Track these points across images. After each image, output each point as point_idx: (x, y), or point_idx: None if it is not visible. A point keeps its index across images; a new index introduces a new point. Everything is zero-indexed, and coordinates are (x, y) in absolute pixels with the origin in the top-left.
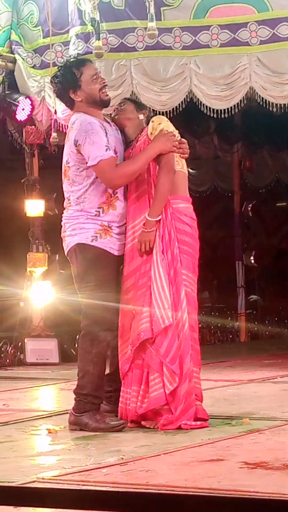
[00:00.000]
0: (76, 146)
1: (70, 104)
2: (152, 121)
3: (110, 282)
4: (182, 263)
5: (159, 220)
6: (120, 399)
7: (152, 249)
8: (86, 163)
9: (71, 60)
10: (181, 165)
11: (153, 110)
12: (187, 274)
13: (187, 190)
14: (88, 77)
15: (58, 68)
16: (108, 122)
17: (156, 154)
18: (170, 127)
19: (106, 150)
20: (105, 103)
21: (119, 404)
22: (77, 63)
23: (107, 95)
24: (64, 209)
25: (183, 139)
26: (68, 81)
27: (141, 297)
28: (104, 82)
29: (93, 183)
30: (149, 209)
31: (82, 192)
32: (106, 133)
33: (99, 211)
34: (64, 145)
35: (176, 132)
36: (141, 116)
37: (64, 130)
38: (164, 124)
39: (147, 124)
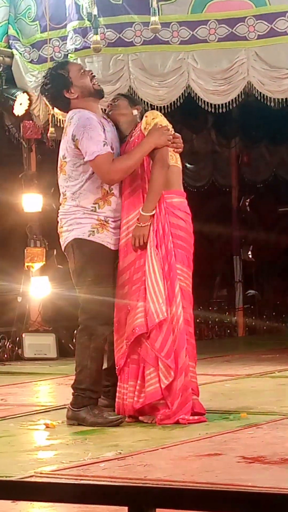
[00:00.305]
0: (73, 141)
1: (66, 105)
2: (146, 116)
3: (107, 277)
4: (176, 257)
5: (153, 214)
6: (117, 394)
7: (147, 244)
8: (83, 158)
9: (52, 65)
10: (175, 160)
11: (151, 105)
12: (181, 269)
13: (181, 185)
14: (76, 73)
15: (43, 77)
16: (105, 118)
17: (151, 149)
18: (164, 122)
19: (104, 145)
20: (99, 93)
21: (116, 400)
22: (60, 65)
23: (99, 85)
24: (60, 204)
25: (176, 134)
26: (59, 82)
27: (135, 292)
28: (92, 73)
29: (89, 179)
30: (143, 203)
31: (78, 187)
32: (104, 129)
33: (95, 207)
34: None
35: (170, 127)
36: (135, 112)
37: (62, 125)
38: (158, 118)
39: (141, 119)
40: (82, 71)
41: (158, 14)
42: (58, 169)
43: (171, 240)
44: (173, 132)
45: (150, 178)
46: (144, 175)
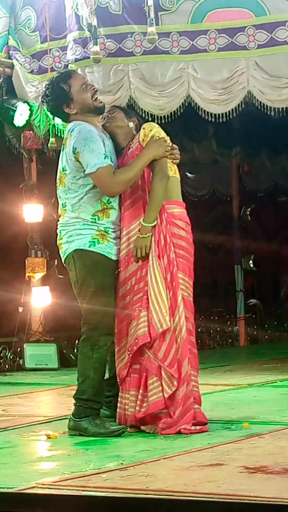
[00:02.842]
0: (74, 154)
1: (66, 118)
2: (144, 128)
3: (109, 287)
4: (178, 267)
5: (155, 225)
6: (118, 404)
7: (148, 255)
8: (83, 171)
9: (56, 76)
10: (173, 171)
11: (151, 114)
12: (183, 278)
13: (180, 195)
14: (77, 88)
15: (45, 86)
16: (104, 132)
17: (150, 160)
18: (161, 133)
19: (105, 158)
20: (100, 110)
21: (117, 410)
22: (63, 77)
23: (100, 101)
24: (60, 216)
25: (174, 145)
26: (59, 97)
27: (138, 302)
28: (94, 89)
29: (88, 192)
30: (143, 214)
31: (77, 199)
32: (103, 142)
33: (94, 218)
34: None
35: (167, 138)
36: (131, 124)
37: (62, 135)
38: (155, 130)
39: (137, 131)
40: (84, 86)
41: (158, 24)
42: (57, 180)
43: (173, 250)
44: (170, 143)
45: (150, 189)
46: (144, 186)
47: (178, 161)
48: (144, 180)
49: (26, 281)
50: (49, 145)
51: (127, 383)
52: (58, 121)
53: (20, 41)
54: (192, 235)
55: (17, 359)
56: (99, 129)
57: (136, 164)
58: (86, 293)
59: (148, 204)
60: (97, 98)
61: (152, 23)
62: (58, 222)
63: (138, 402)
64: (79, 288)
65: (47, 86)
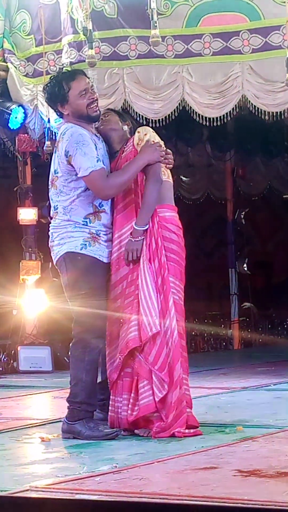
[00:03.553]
0: (66, 157)
1: (59, 115)
2: (138, 132)
3: (100, 290)
4: (169, 270)
5: (147, 229)
6: (110, 408)
7: (139, 258)
8: (75, 174)
9: (64, 71)
10: (167, 175)
11: (146, 118)
12: (174, 282)
13: (172, 199)
14: (76, 92)
15: (50, 77)
16: (97, 136)
17: (144, 165)
18: (156, 138)
19: (97, 161)
20: (92, 119)
21: (109, 413)
22: (68, 76)
23: (95, 111)
24: (51, 218)
25: (168, 150)
26: (56, 94)
27: (129, 306)
28: (93, 98)
29: (80, 195)
30: (136, 218)
31: (69, 202)
32: (95, 146)
33: (86, 221)
34: None
35: (162, 143)
36: (125, 127)
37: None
38: (149, 134)
39: (131, 135)
40: (83, 92)
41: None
42: (50, 183)
43: (164, 254)
44: (164, 148)
45: (143, 193)
46: (137, 190)
47: (171, 166)
48: (137, 183)
49: (20, 284)
50: (44, 148)
51: (119, 387)
52: (53, 124)
53: (15, 44)
54: (183, 239)
55: (11, 361)
56: (91, 132)
57: (130, 168)
58: (77, 296)
59: (141, 208)
60: (93, 107)
61: (156, 26)
62: (50, 225)
63: (130, 406)
64: (71, 291)
65: (51, 77)
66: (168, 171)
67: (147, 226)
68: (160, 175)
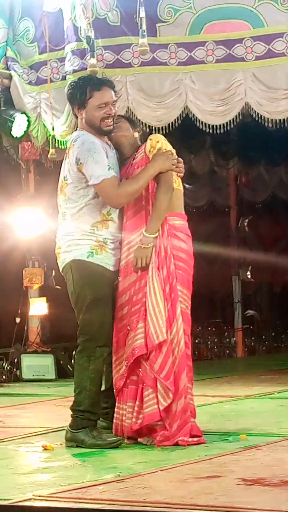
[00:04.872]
0: (77, 165)
1: (75, 115)
2: (150, 139)
3: (106, 298)
4: (177, 279)
5: (156, 236)
6: (115, 415)
7: (148, 265)
8: (85, 182)
9: (94, 77)
10: (178, 183)
11: (149, 126)
12: (181, 290)
13: (182, 208)
14: (96, 103)
15: (80, 76)
16: (108, 144)
17: (156, 173)
18: (168, 146)
19: (109, 169)
20: (103, 133)
21: (114, 421)
22: (95, 84)
23: (108, 125)
24: (59, 224)
25: (179, 158)
26: (77, 97)
27: (135, 313)
28: (109, 113)
29: (88, 203)
30: (145, 225)
31: (77, 210)
32: (106, 154)
33: (93, 229)
34: (61, 161)
35: (173, 151)
36: (136, 134)
37: (61, 146)
38: (161, 142)
39: (141, 142)
40: (102, 105)
41: (156, 35)
42: (59, 189)
43: (173, 262)
44: (176, 156)
45: (154, 200)
46: (148, 197)
47: (182, 174)
48: (148, 191)
49: (23, 292)
50: (49, 156)
51: (124, 394)
52: (57, 132)
53: (18, 52)
54: (192, 248)
55: (14, 370)
56: (103, 141)
57: (142, 176)
58: (82, 304)
59: (152, 215)
60: (107, 122)
61: (144, 35)
62: (57, 231)
63: (134, 414)
64: (76, 299)
65: (80, 77)
66: (179, 179)
67: (157, 234)
68: (172, 183)
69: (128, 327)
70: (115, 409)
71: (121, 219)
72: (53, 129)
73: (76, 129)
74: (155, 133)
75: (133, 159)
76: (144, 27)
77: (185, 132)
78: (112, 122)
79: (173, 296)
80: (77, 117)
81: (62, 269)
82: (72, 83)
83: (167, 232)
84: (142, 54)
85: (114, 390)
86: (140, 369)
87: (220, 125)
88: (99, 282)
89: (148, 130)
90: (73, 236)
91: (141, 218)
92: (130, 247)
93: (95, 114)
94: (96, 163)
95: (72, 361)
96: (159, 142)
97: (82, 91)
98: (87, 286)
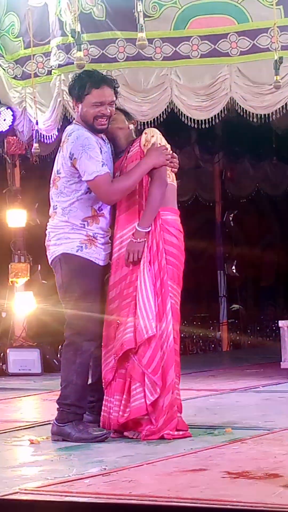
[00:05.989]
0: (71, 160)
1: (72, 108)
2: (145, 133)
3: (94, 293)
4: (168, 274)
5: (149, 231)
6: (103, 408)
7: (140, 260)
8: (78, 176)
9: (97, 73)
10: (171, 178)
11: (136, 121)
12: (172, 286)
13: (175, 203)
14: (92, 100)
15: (84, 70)
16: (103, 139)
17: (150, 169)
18: (163, 141)
19: (102, 165)
20: (96, 131)
21: (102, 413)
22: (95, 80)
23: (101, 125)
24: (50, 217)
25: (174, 154)
26: (75, 91)
27: (126, 307)
28: (103, 113)
29: (80, 197)
30: (138, 219)
31: (68, 204)
32: (100, 150)
33: (84, 224)
34: (46, 155)
35: (168, 146)
36: (131, 126)
37: (45, 141)
38: (156, 136)
39: (136, 135)
40: (98, 103)
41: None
42: (51, 182)
43: (164, 257)
44: (170, 151)
45: (148, 195)
46: (142, 192)
47: (176, 169)
48: (141, 185)
49: (9, 286)
50: (33, 150)
51: (112, 387)
52: (41, 127)
53: (3, 47)
54: (184, 244)
55: (0, 364)
56: (97, 137)
57: (135, 172)
58: (70, 298)
59: (145, 210)
60: (100, 121)
61: (142, 29)
62: (48, 224)
63: (121, 407)
64: (64, 292)
65: (84, 71)
66: (173, 174)
67: (150, 228)
68: (166, 178)
69: (118, 321)
70: (104, 402)
71: (112, 215)
72: (37, 123)
73: (71, 123)
74: (141, 128)
75: (128, 152)
76: (142, 21)
77: (170, 127)
78: (106, 122)
79: (163, 291)
80: (72, 109)
81: (51, 262)
82: (75, 75)
83: (160, 226)
84: (141, 48)
85: (103, 383)
86: (128, 363)
87: (205, 120)
88: (87, 276)
89: (141, 125)
90: (64, 229)
91: (134, 213)
92: (123, 241)
93: (89, 111)
94: (90, 159)
95: (58, 355)
96: (154, 136)
97: (81, 85)
98: (75, 280)
